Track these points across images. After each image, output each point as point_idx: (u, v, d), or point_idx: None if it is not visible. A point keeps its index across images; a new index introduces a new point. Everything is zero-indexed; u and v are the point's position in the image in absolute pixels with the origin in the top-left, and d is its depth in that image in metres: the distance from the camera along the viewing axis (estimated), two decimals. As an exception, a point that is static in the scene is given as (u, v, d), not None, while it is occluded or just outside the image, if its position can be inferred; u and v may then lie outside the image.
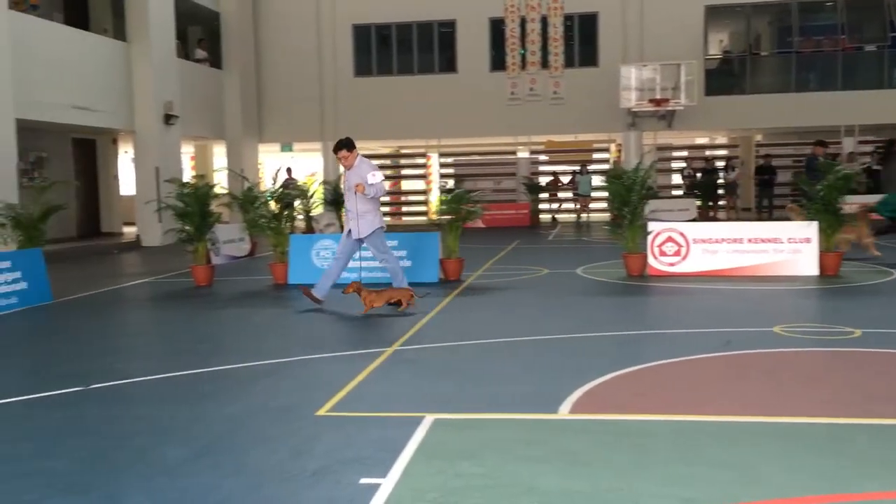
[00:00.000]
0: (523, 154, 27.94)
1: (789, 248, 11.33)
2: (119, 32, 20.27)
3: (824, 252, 11.23)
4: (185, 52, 23.19)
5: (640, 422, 4.85)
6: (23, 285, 10.13)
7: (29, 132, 16.83)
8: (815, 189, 11.49)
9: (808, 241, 11.27)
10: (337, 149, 9.29)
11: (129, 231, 21.64)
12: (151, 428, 5.01)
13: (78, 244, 18.81)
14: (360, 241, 9.39)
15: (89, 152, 21.82)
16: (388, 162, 30.17)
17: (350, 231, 9.39)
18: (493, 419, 4.97)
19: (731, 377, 6.01)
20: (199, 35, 24.90)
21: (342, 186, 9.37)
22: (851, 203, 13.06)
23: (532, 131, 26.09)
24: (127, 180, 23.15)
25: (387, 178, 35.08)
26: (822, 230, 11.25)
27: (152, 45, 19.75)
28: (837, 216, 11.35)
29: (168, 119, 20.27)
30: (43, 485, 4.04)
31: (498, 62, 25.31)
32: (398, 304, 9.02)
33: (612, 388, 5.70)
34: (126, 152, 24.27)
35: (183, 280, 12.52)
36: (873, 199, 14.88)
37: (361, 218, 9.24)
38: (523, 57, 24.99)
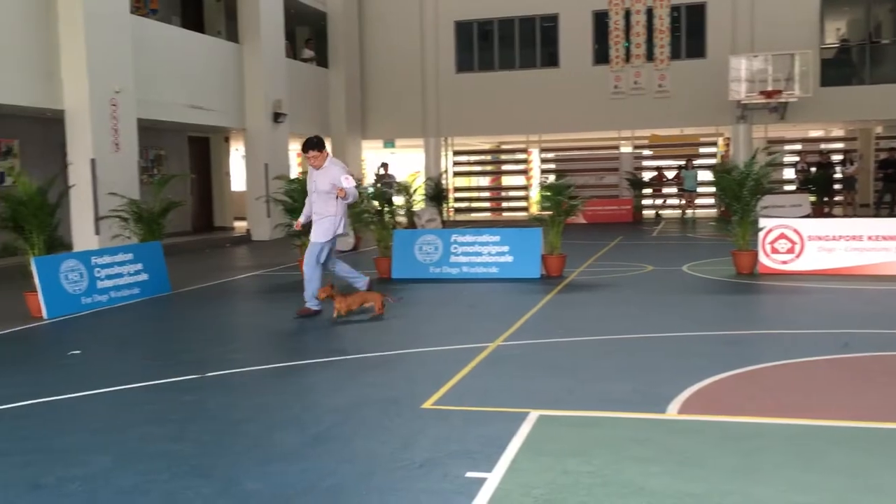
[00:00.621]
0: (626, 149, 27.45)
1: (914, 246, 10.74)
2: (232, 34, 21.04)
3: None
4: (293, 51, 23.86)
5: (753, 424, 4.71)
6: (144, 277, 10.68)
7: (149, 131, 17.69)
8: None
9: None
10: (306, 148, 8.76)
11: (240, 225, 22.44)
12: (265, 415, 5.21)
13: (192, 238, 19.65)
14: (333, 240, 9.01)
15: (203, 150, 22.75)
16: (488, 157, 30.23)
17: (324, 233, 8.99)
18: (600, 417, 4.93)
19: (850, 381, 5.76)
20: (306, 35, 25.57)
21: (309, 187, 8.95)
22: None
23: (636, 125, 25.60)
24: (238, 177, 24.02)
25: (487, 173, 34.86)
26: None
27: (263, 46, 20.41)
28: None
29: (277, 117, 20.90)
30: (171, 466, 4.27)
31: (601, 55, 24.95)
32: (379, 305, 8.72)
33: (723, 388, 5.56)
34: (237, 150, 25.17)
35: (290, 273, 12.91)
36: None
37: (324, 220, 8.83)
38: (627, 50, 24.54)
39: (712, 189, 20.49)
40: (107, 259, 10.17)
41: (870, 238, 10.95)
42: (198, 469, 4.21)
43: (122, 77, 15.14)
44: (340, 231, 8.95)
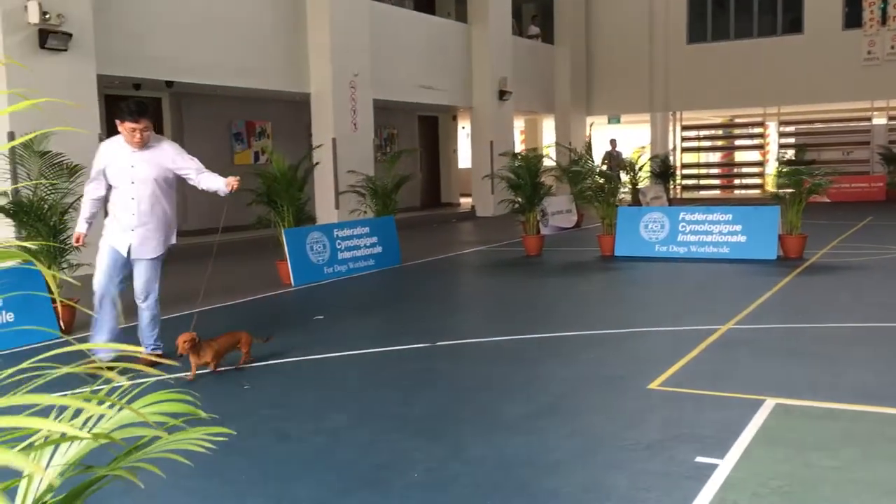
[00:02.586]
0: (879, 120, 24.89)
1: None
2: (461, 15, 21.53)
3: None
4: (518, 29, 23.99)
5: None
6: (378, 249, 11.28)
7: (382, 111, 18.60)
8: None
9: None
10: (140, 114, 5.77)
11: (466, 202, 23.06)
12: (491, 385, 5.33)
13: (421, 213, 20.48)
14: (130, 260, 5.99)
15: (432, 128, 23.56)
16: (719, 132, 28.69)
17: (122, 246, 5.93)
18: (845, 409, 4.54)
19: None
20: (532, 12, 25.59)
21: (101, 174, 5.93)
22: None
23: (891, 95, 23.14)
24: (464, 154, 24.65)
25: (718, 149, 33.22)
26: None
27: (490, 26, 20.69)
28: None
29: (502, 95, 21.15)
30: (402, 427, 4.50)
31: (853, 19, 22.74)
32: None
33: None
34: (463, 128, 25.82)
35: (514, 249, 13.08)
36: None
37: (157, 232, 5.97)
38: (884, 11, 22.17)
39: None
40: (347, 232, 10.86)
41: None
42: (427, 432, 4.40)
43: (360, 61, 16.03)
44: (173, 241, 6.20)
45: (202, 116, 15.95)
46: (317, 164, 12.52)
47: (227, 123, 16.54)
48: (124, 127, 5.82)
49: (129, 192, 5.90)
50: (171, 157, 6.00)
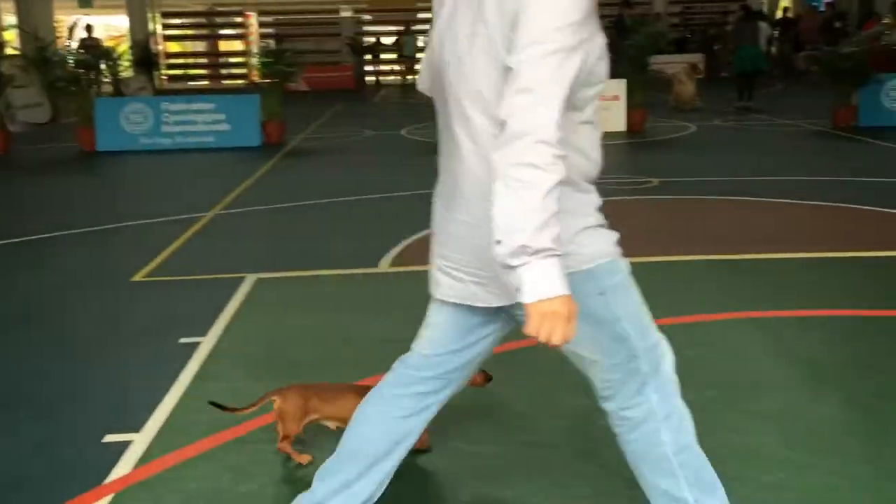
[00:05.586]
0: (346, 13, 27.03)
1: (599, 105, 11.82)
2: None
3: (631, 108, 11.84)
4: None
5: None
6: None
7: None
8: (626, 47, 11.96)
9: (616, 98, 11.83)
10: None
11: None
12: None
13: None
14: None
15: None
16: (203, 21, 28.30)
17: None
18: (317, 275, 5.06)
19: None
20: None
21: None
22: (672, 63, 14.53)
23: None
24: None
25: (203, 38, 32.64)
26: (630, 88, 11.81)
27: None
28: (646, 74, 11.92)
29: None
30: None
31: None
32: None
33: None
34: None
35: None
36: (693, 57, 16.74)
37: None
38: None
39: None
40: None
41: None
42: None
43: None
44: None
45: None
46: None
47: None
48: None
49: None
50: None
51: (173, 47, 27.16)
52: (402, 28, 25.51)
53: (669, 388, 1.99)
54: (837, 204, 6.70)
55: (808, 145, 10.39)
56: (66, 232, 6.38)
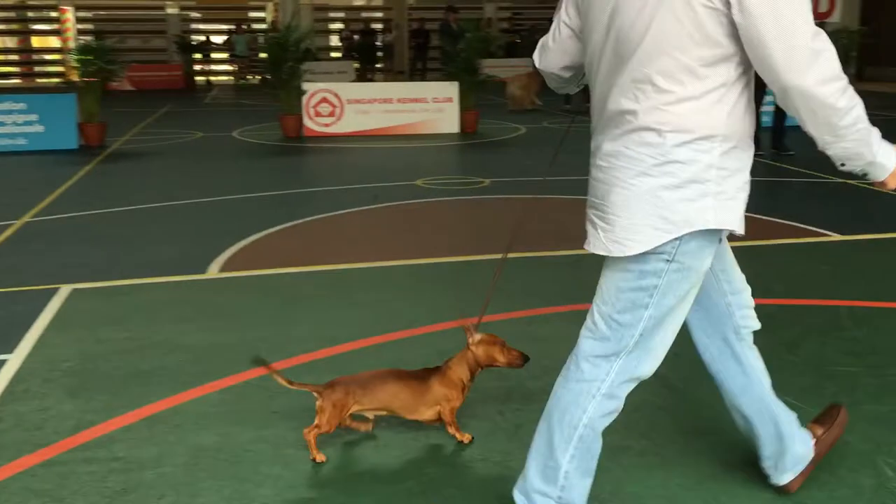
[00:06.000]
0: (173, 10, 25.95)
1: (434, 107, 12.06)
2: None
3: (464, 111, 12.11)
4: None
5: (291, 275, 5.01)
6: None
7: None
8: (456, 51, 12.22)
9: (450, 100, 12.07)
10: None
11: None
12: None
13: None
14: None
15: None
16: (12, 15, 26.28)
17: None
18: (139, 284, 4.82)
19: (376, 228, 6.41)
20: None
21: None
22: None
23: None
24: None
25: (14, 33, 30.53)
26: (462, 90, 12.07)
27: None
28: (476, 76, 12.20)
29: None
30: None
31: None
32: None
33: (264, 245, 5.79)
34: None
35: None
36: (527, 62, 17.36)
37: None
38: None
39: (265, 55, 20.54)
40: None
41: (399, 101, 12.01)
42: None
43: None
44: None
45: None
46: None
47: None
48: None
49: None
50: None
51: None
52: (233, 27, 24.84)
53: (630, 381, 2.06)
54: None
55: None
56: None
